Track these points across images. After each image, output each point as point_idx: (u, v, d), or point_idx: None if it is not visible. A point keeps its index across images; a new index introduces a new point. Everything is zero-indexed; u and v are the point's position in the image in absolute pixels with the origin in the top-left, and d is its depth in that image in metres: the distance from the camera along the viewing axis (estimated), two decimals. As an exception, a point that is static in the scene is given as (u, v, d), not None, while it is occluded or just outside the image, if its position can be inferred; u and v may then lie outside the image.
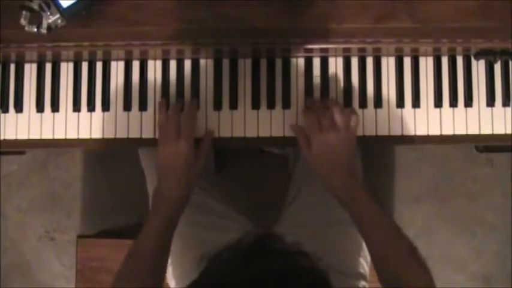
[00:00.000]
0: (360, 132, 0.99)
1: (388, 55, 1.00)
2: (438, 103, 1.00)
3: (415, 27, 0.92)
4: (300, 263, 0.65)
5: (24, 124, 1.01)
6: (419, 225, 1.74)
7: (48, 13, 0.89)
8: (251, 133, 1.00)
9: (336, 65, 1.01)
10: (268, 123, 1.00)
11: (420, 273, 0.84)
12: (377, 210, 0.89)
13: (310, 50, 0.98)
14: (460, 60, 1.01)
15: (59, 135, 1.01)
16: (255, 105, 1.00)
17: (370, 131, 1.00)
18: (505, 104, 1.00)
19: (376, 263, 0.88)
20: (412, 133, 1.00)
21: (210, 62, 1.01)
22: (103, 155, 1.76)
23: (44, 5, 0.89)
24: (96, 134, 1.01)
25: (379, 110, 1.00)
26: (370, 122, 1.00)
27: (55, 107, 1.01)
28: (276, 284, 0.59)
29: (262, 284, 0.58)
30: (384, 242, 0.88)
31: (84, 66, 1.02)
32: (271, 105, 1.00)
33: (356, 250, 1.06)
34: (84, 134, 1.01)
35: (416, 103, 1.00)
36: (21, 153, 1.57)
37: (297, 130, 0.98)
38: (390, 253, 0.87)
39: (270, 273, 0.59)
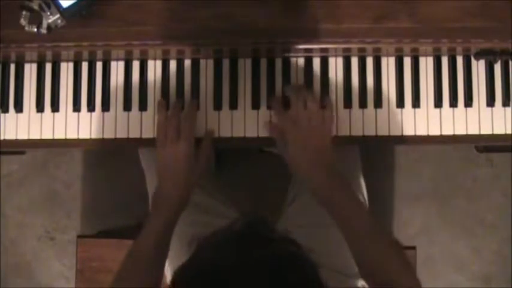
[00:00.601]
0: (360, 132, 0.99)
1: (388, 55, 1.00)
2: (438, 103, 1.00)
3: (415, 27, 0.92)
4: (290, 250, 0.65)
5: (24, 124, 1.01)
6: (419, 225, 1.73)
7: (48, 13, 0.89)
8: (251, 133, 1.00)
9: (336, 65, 1.01)
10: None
11: (407, 273, 0.84)
12: (357, 210, 0.89)
13: (310, 50, 0.98)
14: (460, 60, 1.01)
15: (59, 135, 1.01)
16: (255, 105, 1.00)
17: (370, 131, 1.00)
18: (505, 104, 1.00)
19: (357, 261, 0.87)
20: (412, 133, 1.00)
21: (210, 62, 1.01)
22: (103, 155, 1.75)
23: (44, 5, 0.89)
24: (96, 134, 1.01)
25: (379, 110, 1.00)
26: (370, 122, 1.00)
27: (55, 107, 1.01)
28: (265, 271, 0.59)
29: (252, 271, 0.58)
30: (366, 239, 0.87)
31: (84, 66, 1.01)
32: (271, 105, 0.99)
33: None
34: (84, 134, 1.01)
35: (416, 103, 1.00)
36: (21, 153, 1.57)
37: (272, 129, 0.97)
38: (372, 250, 0.86)
39: (260, 261, 0.60)
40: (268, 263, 0.60)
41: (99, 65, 1.01)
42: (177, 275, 0.63)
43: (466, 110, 1.00)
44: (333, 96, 1.00)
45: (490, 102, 1.00)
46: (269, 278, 0.58)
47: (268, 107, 0.99)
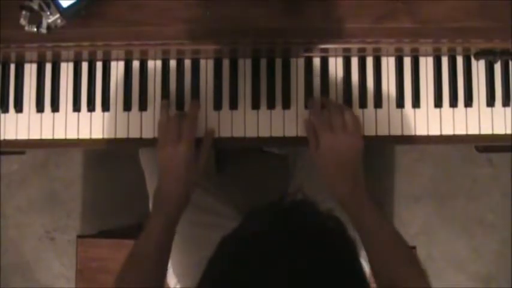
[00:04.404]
0: (359, 132, 0.99)
1: (388, 55, 1.00)
2: (438, 103, 1.00)
3: (415, 27, 0.92)
4: (332, 227, 0.65)
5: (24, 124, 1.01)
6: (419, 225, 1.74)
7: (48, 13, 0.89)
8: (251, 133, 1.00)
9: (336, 65, 1.01)
10: (268, 123, 1.00)
11: (420, 282, 0.84)
12: (379, 218, 0.89)
13: (310, 50, 0.98)
14: (460, 60, 1.01)
15: (59, 135, 1.01)
16: (255, 105, 1.00)
17: (370, 131, 1.00)
18: (505, 104, 1.00)
19: (375, 270, 0.88)
20: (412, 133, 1.00)
21: (210, 62, 1.01)
22: (103, 155, 1.76)
23: (44, 5, 0.89)
24: (96, 134, 1.01)
25: (379, 110, 1.00)
26: (370, 122, 1.00)
27: (55, 107, 1.01)
28: (306, 241, 0.59)
29: (295, 242, 0.58)
30: (384, 249, 0.88)
31: (84, 66, 1.01)
32: (271, 105, 0.99)
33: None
34: (84, 134, 1.01)
35: (416, 103, 1.00)
36: (21, 153, 1.57)
37: (308, 127, 0.98)
38: (390, 260, 0.86)
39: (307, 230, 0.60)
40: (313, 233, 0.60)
41: (99, 65, 1.01)
42: (224, 242, 0.63)
43: (466, 110, 1.00)
44: (333, 96, 1.00)
45: (490, 102, 1.00)
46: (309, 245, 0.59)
47: (305, 107, 0.99)
